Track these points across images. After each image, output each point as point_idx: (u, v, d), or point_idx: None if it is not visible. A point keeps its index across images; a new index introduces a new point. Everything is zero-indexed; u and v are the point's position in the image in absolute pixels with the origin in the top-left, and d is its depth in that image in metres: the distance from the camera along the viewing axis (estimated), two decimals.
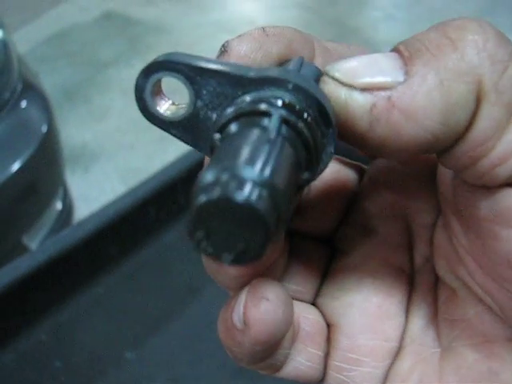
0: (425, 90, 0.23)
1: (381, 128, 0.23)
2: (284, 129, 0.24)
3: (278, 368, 0.31)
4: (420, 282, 0.32)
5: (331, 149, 0.25)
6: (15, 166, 1.49)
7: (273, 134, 0.23)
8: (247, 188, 0.20)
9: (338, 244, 0.34)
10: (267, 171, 0.21)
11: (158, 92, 0.28)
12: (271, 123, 0.23)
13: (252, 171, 0.21)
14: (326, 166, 0.25)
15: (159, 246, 0.94)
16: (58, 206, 1.78)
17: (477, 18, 0.24)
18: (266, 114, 0.24)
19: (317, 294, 0.33)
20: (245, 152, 0.22)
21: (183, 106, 0.28)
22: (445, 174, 0.29)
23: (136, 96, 0.27)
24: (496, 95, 0.23)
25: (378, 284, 0.32)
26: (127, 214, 0.90)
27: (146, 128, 2.83)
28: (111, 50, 3.30)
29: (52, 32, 3.46)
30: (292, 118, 0.24)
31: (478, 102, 0.23)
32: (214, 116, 0.26)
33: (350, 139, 0.25)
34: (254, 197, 0.20)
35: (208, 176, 0.21)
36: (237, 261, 0.22)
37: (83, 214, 2.01)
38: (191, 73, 0.26)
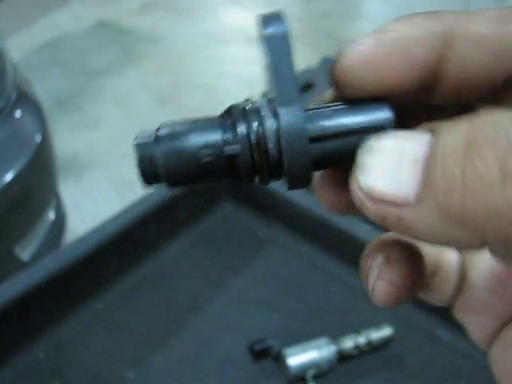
0: (426, 222, 0.22)
1: (394, 229, 0.23)
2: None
3: None
4: None
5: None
6: (8, 176, 1.47)
7: None
8: None
9: None
10: None
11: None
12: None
13: None
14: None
15: (159, 262, 0.93)
16: (51, 215, 1.76)
17: None
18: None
19: None
20: None
21: None
22: None
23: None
24: None
25: None
26: (127, 230, 0.89)
27: None
28: (104, 59, 3.29)
29: (45, 40, 3.44)
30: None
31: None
32: None
33: None
34: None
35: None
36: None
37: (75, 223, 2.00)
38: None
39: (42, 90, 2.61)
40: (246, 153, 0.25)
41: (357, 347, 0.81)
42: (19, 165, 1.51)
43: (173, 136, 0.26)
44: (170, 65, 3.26)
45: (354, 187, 0.24)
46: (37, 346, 0.82)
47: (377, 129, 0.25)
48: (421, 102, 0.28)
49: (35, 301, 0.81)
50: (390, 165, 0.23)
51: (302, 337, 0.81)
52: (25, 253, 1.61)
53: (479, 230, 0.21)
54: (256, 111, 0.26)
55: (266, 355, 0.81)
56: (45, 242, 1.69)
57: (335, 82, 0.26)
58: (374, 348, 0.82)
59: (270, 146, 0.25)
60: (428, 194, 0.22)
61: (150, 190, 0.88)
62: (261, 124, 0.25)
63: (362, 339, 0.82)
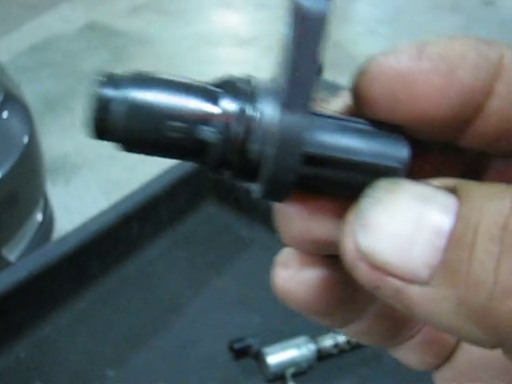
0: (435, 307, 0.18)
1: (386, 299, 0.19)
2: None
3: None
4: None
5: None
6: None
7: None
8: None
9: None
10: None
11: None
12: None
13: None
14: None
15: (142, 262, 0.93)
16: (39, 217, 1.76)
17: None
18: None
19: None
20: None
21: None
22: None
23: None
24: None
25: None
26: (110, 229, 0.89)
27: None
28: (94, 61, 3.28)
29: (34, 42, 3.43)
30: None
31: None
32: None
33: None
34: None
35: None
36: None
37: (64, 225, 1.99)
38: None
39: (32, 91, 2.61)
40: (220, 145, 0.20)
41: (336, 346, 0.82)
42: (6, 166, 1.50)
43: (142, 90, 0.20)
44: (160, 66, 3.25)
45: (347, 242, 0.19)
46: (18, 345, 0.82)
47: (388, 170, 0.21)
48: (442, 139, 0.22)
49: (16, 300, 0.81)
50: (404, 230, 0.18)
51: (282, 336, 0.82)
52: (12, 254, 1.61)
53: (500, 333, 0.17)
54: (252, 97, 0.20)
55: (246, 354, 0.82)
56: (32, 243, 1.69)
57: (356, 94, 0.21)
58: (353, 346, 0.83)
59: (252, 147, 0.20)
60: (446, 280, 0.18)
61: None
62: (251, 117, 0.20)
63: (341, 338, 0.82)
